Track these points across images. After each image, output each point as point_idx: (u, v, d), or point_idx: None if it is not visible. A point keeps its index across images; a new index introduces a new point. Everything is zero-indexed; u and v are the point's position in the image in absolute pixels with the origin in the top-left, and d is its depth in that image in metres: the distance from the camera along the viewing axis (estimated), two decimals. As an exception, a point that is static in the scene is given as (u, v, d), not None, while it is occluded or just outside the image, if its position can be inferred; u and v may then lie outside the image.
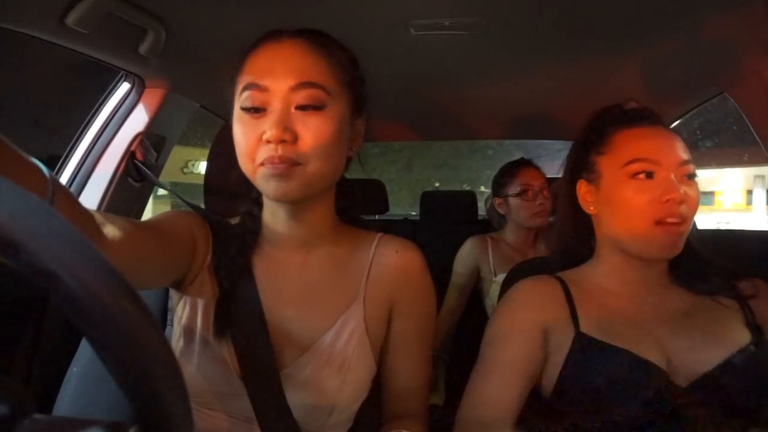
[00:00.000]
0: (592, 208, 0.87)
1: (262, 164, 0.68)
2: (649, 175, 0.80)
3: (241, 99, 0.70)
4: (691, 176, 0.81)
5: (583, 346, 0.80)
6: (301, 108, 0.68)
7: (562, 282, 0.88)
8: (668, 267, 0.86)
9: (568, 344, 0.81)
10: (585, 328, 0.82)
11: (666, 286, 0.86)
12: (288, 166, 0.66)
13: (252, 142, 0.68)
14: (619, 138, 0.85)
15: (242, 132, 0.70)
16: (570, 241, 0.93)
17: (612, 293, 0.86)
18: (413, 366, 0.82)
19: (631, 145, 0.83)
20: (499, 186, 1.91)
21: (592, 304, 0.84)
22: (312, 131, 0.67)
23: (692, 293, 0.84)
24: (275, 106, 0.68)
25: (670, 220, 0.78)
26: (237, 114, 0.71)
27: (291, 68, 0.68)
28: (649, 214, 0.79)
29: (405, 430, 0.77)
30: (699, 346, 0.78)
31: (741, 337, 0.78)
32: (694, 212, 0.80)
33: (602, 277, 0.88)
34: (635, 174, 0.81)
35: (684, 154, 0.81)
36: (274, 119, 0.66)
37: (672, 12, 1.09)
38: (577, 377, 0.79)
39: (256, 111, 0.69)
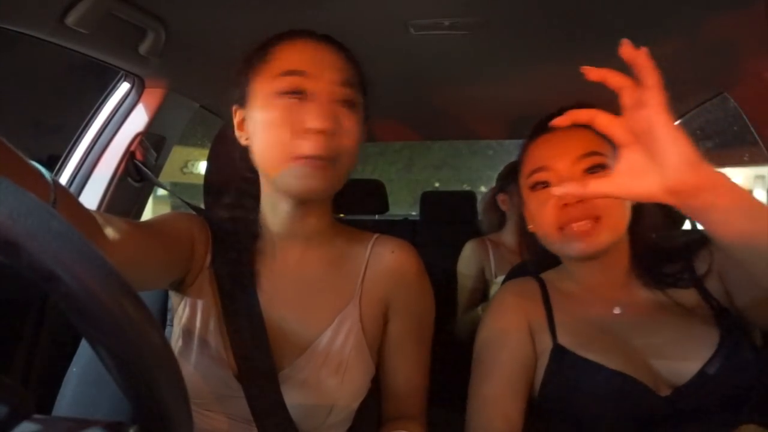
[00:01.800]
0: (531, 226, 0.87)
1: (297, 159, 0.66)
2: (546, 184, 0.80)
3: (277, 84, 0.68)
4: (594, 168, 0.78)
5: (561, 358, 0.80)
6: (342, 103, 0.69)
7: (542, 284, 0.89)
8: (630, 265, 0.85)
9: (547, 354, 0.81)
10: (562, 337, 0.82)
11: (632, 287, 0.84)
12: (326, 162, 0.67)
13: (290, 131, 0.66)
14: (526, 152, 0.86)
15: (279, 118, 0.67)
16: (534, 247, 0.93)
17: (582, 297, 0.85)
18: (411, 366, 0.82)
19: (530, 158, 0.84)
20: (509, 182, 1.81)
21: (568, 310, 0.84)
22: (347, 128, 0.69)
23: (658, 291, 0.82)
24: (319, 94, 0.67)
25: (573, 225, 0.77)
26: (267, 101, 0.69)
27: (335, 64, 0.70)
28: (552, 222, 0.79)
29: (404, 431, 0.77)
30: (675, 353, 0.76)
31: (711, 337, 0.75)
32: (603, 206, 0.76)
33: (570, 279, 0.88)
34: (534, 186, 0.82)
35: (584, 147, 0.78)
36: (321, 108, 0.66)
37: (672, 12, 1.09)
38: (557, 392, 0.80)
39: (297, 95, 0.67)
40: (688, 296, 0.81)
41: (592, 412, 0.76)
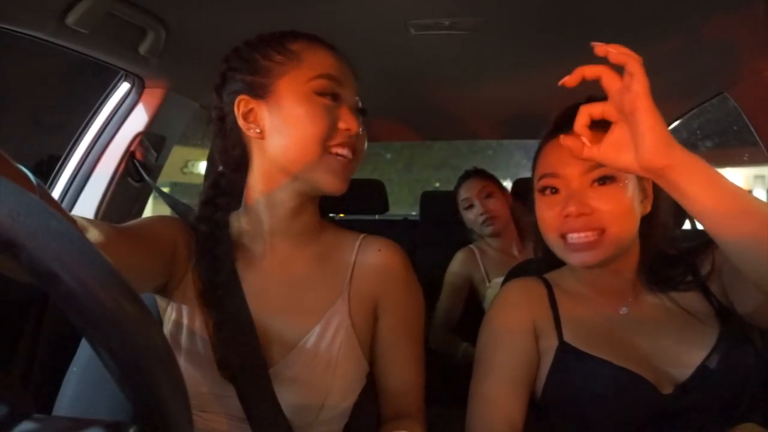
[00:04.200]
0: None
1: (330, 154, 0.73)
2: (554, 190, 0.80)
3: (314, 84, 0.73)
4: (603, 180, 0.77)
5: (567, 356, 0.80)
6: (359, 111, 0.79)
7: (548, 284, 0.88)
8: (637, 270, 0.84)
9: (552, 352, 0.81)
10: (568, 336, 0.82)
11: (639, 291, 0.84)
12: (351, 161, 0.75)
13: (326, 129, 0.72)
14: (539, 154, 0.86)
15: (316, 115, 0.72)
16: (543, 246, 0.91)
17: (588, 297, 0.85)
18: (405, 364, 0.82)
19: (541, 161, 0.84)
20: (456, 202, 2.00)
21: (574, 309, 0.84)
22: (362, 133, 0.78)
23: (662, 294, 0.82)
24: (347, 101, 0.76)
25: (572, 235, 0.77)
26: (304, 99, 0.73)
27: (353, 76, 0.79)
28: (555, 229, 0.79)
29: (403, 430, 0.77)
30: (677, 351, 0.76)
31: (711, 334, 0.76)
32: (609, 218, 0.76)
33: (577, 281, 0.88)
34: (543, 190, 0.82)
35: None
36: (354, 113, 0.76)
37: (672, 12, 1.09)
38: (560, 389, 0.80)
39: (332, 97, 0.74)
40: (692, 298, 0.81)
41: (595, 409, 0.76)
